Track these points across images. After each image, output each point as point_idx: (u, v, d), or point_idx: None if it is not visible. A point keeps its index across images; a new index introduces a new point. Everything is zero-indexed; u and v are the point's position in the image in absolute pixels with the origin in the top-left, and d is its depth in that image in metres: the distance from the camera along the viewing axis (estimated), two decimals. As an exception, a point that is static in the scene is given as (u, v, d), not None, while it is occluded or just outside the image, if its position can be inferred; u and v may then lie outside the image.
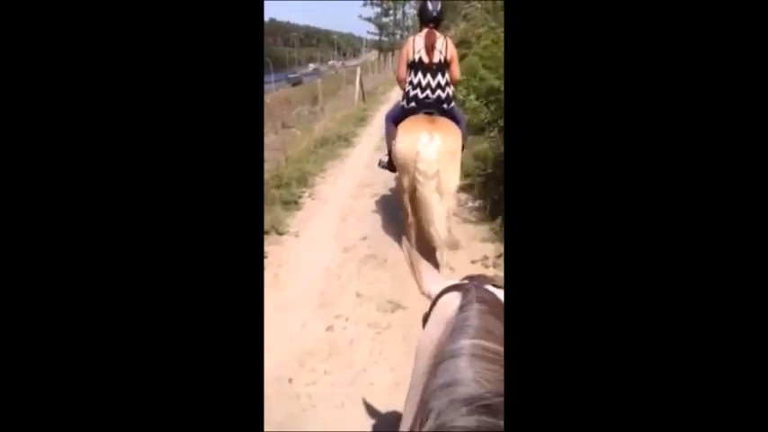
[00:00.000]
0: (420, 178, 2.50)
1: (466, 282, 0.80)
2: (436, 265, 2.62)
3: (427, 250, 2.63)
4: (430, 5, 2.82)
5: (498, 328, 0.58)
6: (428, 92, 2.79)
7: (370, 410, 1.75)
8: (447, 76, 2.81)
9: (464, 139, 2.85)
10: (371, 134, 7.45)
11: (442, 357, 0.54)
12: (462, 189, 4.30)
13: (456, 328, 0.58)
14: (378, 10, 31.27)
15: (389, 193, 4.37)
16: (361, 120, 8.53)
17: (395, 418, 1.64)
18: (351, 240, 3.31)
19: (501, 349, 0.52)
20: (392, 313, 2.38)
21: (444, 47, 2.80)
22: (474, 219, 3.56)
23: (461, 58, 8.79)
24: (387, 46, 31.07)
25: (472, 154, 4.52)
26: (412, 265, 0.90)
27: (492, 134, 4.21)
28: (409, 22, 31.65)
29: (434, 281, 0.86)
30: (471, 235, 3.27)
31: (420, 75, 2.79)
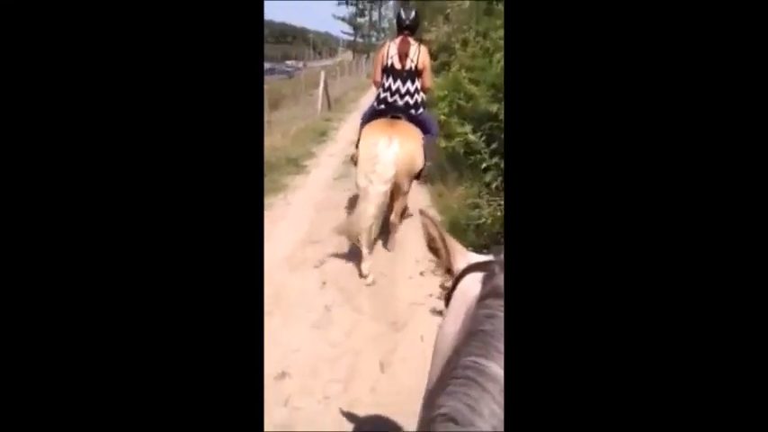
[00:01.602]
0: (374, 179, 2.60)
1: (491, 259, 0.66)
2: (359, 261, 2.82)
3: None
4: (403, 14, 2.97)
5: None
6: (397, 97, 2.92)
7: None
8: (417, 83, 2.93)
9: (434, 146, 3.19)
10: (333, 154, 6.07)
11: (456, 371, 0.46)
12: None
13: (477, 333, 0.50)
14: (352, 10, 29.88)
15: (348, 251, 3.05)
16: (322, 134, 7.12)
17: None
18: (278, 364, 1.96)
19: None
20: None
21: (416, 55, 2.89)
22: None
23: (444, 65, 7.63)
24: (361, 47, 29.72)
25: (465, 207, 3.24)
26: (441, 239, 0.73)
27: (494, 183, 2.90)
28: (385, 24, 30.47)
29: (462, 256, 0.72)
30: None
31: (391, 80, 2.92)
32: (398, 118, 2.88)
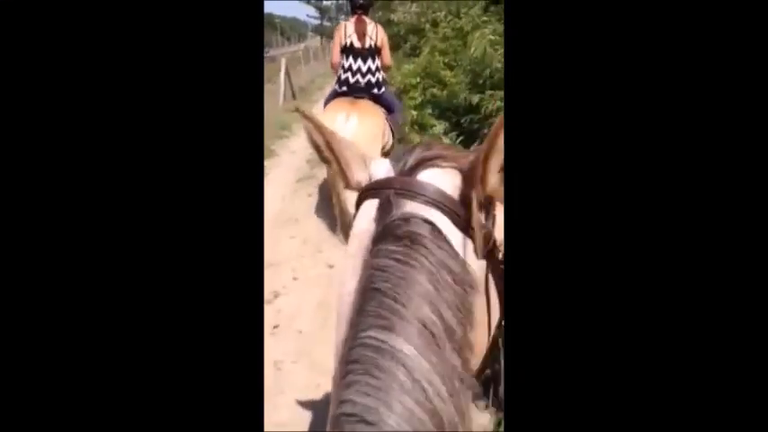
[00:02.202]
0: None
1: (388, 177, 0.54)
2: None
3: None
4: None
5: (433, 315, 0.41)
6: (358, 76, 2.93)
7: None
8: (377, 61, 2.97)
9: (395, 128, 3.00)
10: (296, 151, 5.47)
11: (354, 352, 0.40)
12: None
13: (367, 292, 0.43)
14: (318, -9, 28.73)
15: (312, 278, 2.51)
16: (283, 128, 6.47)
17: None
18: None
19: (441, 387, 0.38)
20: None
21: (375, 33, 2.94)
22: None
23: (414, 49, 7.07)
24: (329, 31, 28.67)
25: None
26: (329, 148, 0.59)
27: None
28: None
29: (361, 167, 0.59)
30: None
31: (351, 59, 2.93)
32: (361, 98, 2.89)
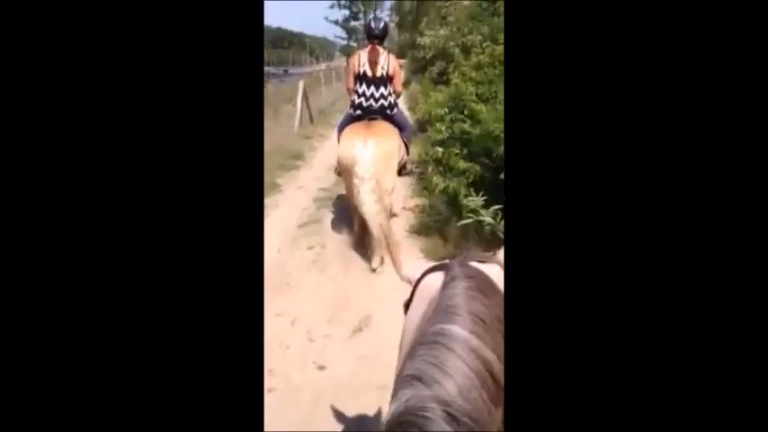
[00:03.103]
0: (356, 181, 2.78)
1: (447, 261, 0.75)
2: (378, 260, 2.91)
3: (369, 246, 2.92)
4: (373, 24, 3.21)
5: (486, 310, 0.56)
6: (371, 101, 3.13)
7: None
8: (389, 87, 3.15)
9: (409, 144, 3.33)
10: (304, 186, 4.87)
11: (422, 338, 0.52)
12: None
13: (441, 308, 0.55)
14: (345, 13, 28.71)
15: (306, 369, 1.83)
16: (295, 157, 5.88)
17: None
18: None
19: (490, 356, 0.50)
20: None
21: (387, 62, 3.12)
22: None
23: (440, 74, 6.47)
24: (355, 52, 28.56)
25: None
26: (390, 248, 0.86)
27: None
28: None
29: (414, 263, 0.84)
30: None
31: (365, 86, 3.13)
32: (374, 119, 3.07)
